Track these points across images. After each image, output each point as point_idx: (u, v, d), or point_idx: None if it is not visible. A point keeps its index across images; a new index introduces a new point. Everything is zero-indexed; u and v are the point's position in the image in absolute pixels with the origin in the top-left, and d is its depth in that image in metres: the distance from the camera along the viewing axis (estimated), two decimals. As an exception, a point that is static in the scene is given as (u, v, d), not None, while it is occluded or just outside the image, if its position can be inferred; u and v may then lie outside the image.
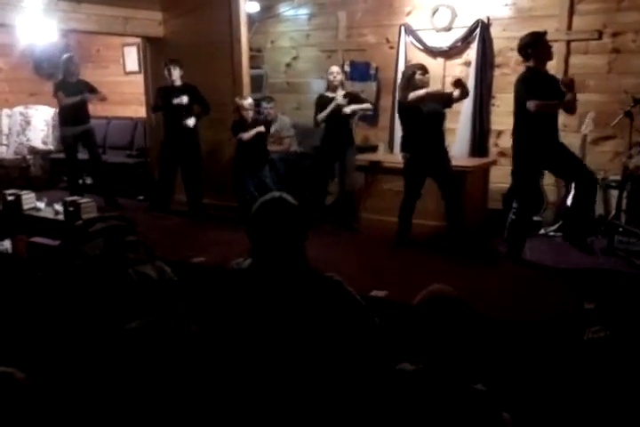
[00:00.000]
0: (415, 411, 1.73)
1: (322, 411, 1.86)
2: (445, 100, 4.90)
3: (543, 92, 4.26)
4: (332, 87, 5.56)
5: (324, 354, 1.93)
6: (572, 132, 5.58)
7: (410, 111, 4.87)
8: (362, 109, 5.61)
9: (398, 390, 1.80)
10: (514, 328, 3.24)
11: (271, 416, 1.84)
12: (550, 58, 4.49)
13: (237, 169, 5.81)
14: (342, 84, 5.60)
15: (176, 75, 5.98)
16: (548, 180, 5.67)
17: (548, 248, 4.92)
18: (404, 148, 5.04)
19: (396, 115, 5.36)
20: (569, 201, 5.05)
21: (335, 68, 5.64)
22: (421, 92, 4.70)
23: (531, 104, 4.19)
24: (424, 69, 4.89)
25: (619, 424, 2.31)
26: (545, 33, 4.43)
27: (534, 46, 4.32)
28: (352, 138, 5.72)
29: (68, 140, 6.66)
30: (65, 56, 6.66)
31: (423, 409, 1.73)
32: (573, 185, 4.72)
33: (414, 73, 4.84)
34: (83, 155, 6.80)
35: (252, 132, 5.60)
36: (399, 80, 5.28)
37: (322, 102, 5.54)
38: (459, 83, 4.69)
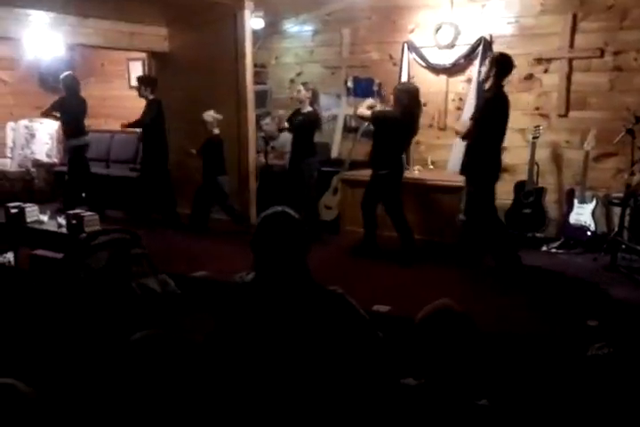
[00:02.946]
0: (418, 426, 1.72)
1: (325, 425, 1.85)
2: None
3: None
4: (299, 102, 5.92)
5: (327, 367, 1.92)
6: (574, 148, 5.62)
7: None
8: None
9: (401, 404, 1.79)
10: (517, 344, 3.23)
11: (274, 430, 1.83)
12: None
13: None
14: (310, 101, 5.82)
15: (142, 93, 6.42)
16: (551, 196, 5.69)
17: (550, 265, 4.92)
18: (380, 165, 5.14)
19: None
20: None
21: (299, 87, 5.92)
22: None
23: None
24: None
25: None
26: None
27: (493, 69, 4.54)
28: (310, 152, 5.90)
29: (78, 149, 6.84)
30: (64, 74, 6.78)
31: (426, 424, 1.72)
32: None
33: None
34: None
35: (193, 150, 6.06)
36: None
37: (292, 114, 5.96)
38: None
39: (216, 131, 5.97)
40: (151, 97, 6.36)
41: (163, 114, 6.41)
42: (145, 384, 1.59)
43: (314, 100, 5.85)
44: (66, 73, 6.85)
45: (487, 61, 4.63)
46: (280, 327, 1.94)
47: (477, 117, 4.58)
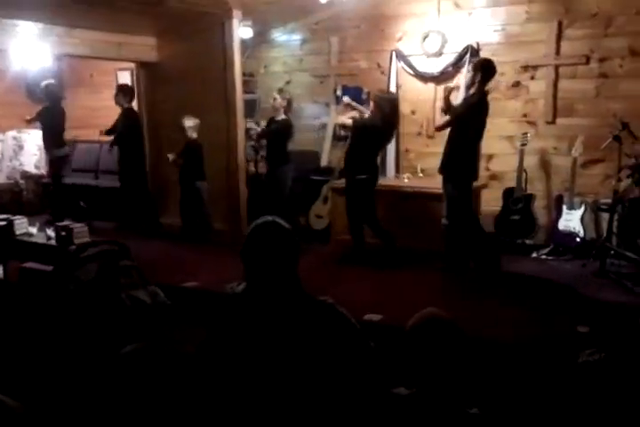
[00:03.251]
0: (411, 436, 1.72)
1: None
2: None
3: None
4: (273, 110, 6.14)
5: (318, 377, 1.92)
6: (562, 155, 5.66)
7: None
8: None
9: (393, 414, 1.79)
10: (508, 352, 3.24)
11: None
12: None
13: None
14: (284, 110, 6.03)
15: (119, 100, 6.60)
16: (539, 203, 5.72)
17: (540, 271, 4.94)
18: (357, 170, 5.28)
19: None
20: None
21: (274, 94, 6.20)
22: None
23: None
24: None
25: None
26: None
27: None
28: (281, 158, 6.03)
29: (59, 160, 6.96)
30: (44, 83, 6.81)
31: (419, 434, 1.71)
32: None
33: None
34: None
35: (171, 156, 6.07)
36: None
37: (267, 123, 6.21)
38: None
39: (194, 135, 6.03)
40: (126, 105, 6.44)
41: (138, 122, 6.45)
42: (136, 398, 1.58)
43: (288, 108, 6.06)
44: (46, 81, 6.86)
45: (471, 67, 4.75)
46: (271, 338, 1.94)
47: (460, 119, 4.73)
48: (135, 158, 6.50)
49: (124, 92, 6.59)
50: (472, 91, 4.81)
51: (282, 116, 5.94)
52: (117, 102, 6.56)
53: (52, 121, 6.75)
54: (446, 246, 4.99)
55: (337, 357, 1.97)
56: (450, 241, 4.96)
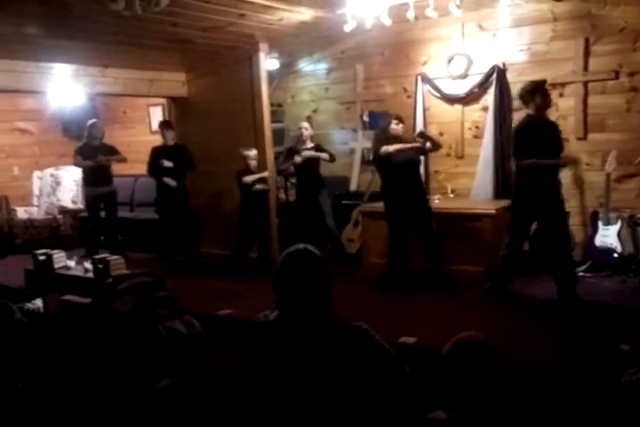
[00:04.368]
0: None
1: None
2: (418, 151, 5.24)
3: (536, 142, 4.43)
4: (300, 141, 5.99)
5: (355, 405, 1.90)
6: (595, 170, 5.58)
7: (383, 162, 5.12)
8: (318, 157, 5.89)
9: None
10: (549, 373, 3.16)
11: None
12: (549, 106, 4.67)
13: (242, 220, 6.04)
14: (311, 138, 5.99)
15: (169, 136, 6.47)
16: (575, 219, 5.63)
17: (578, 289, 4.82)
18: (383, 193, 5.29)
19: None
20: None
21: (304, 124, 6.03)
22: (391, 148, 4.97)
23: (521, 163, 4.49)
24: (400, 119, 5.18)
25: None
26: (545, 82, 4.57)
27: (534, 94, 4.49)
28: (321, 183, 5.99)
29: (89, 199, 7.02)
30: (90, 122, 6.96)
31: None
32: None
33: (390, 123, 5.13)
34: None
35: (255, 176, 5.91)
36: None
37: (288, 154, 6.03)
38: (423, 135, 5.16)
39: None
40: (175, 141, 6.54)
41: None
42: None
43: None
44: (92, 120, 7.05)
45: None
46: (306, 365, 1.93)
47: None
48: (179, 191, 6.51)
49: (172, 127, 6.61)
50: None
51: (311, 144, 5.95)
52: (167, 138, 6.49)
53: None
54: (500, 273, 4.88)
55: (372, 383, 1.96)
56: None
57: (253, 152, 6.01)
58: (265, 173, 6.04)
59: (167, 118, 7.47)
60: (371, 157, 5.69)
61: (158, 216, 6.76)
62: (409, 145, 5.06)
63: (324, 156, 5.88)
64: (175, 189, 6.36)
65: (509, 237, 4.74)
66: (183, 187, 6.44)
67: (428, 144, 5.14)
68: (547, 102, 4.56)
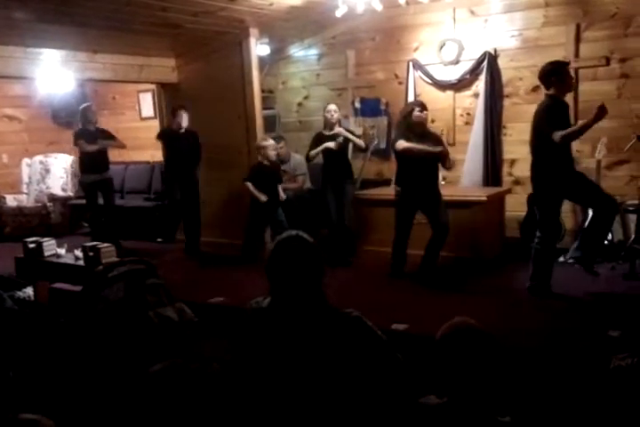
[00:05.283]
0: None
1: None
2: (431, 156, 4.85)
3: (564, 121, 4.27)
4: (329, 125, 5.62)
5: (347, 390, 1.91)
6: (586, 157, 5.59)
7: (398, 153, 4.95)
8: (352, 141, 5.60)
9: (423, 424, 1.77)
10: (539, 358, 3.19)
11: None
12: (571, 88, 4.48)
13: (253, 214, 5.81)
14: (339, 122, 5.68)
15: (185, 120, 6.21)
16: (565, 206, 5.64)
17: (567, 276, 4.86)
18: (397, 181, 5.12)
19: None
20: (586, 224, 4.97)
21: (332, 107, 5.63)
22: (409, 146, 4.74)
23: (556, 135, 4.13)
24: (423, 106, 4.90)
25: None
26: (568, 63, 4.43)
27: (559, 75, 4.26)
28: (350, 172, 5.76)
29: (87, 186, 6.76)
30: (83, 106, 6.81)
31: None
32: (591, 210, 4.65)
33: (412, 110, 4.87)
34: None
35: (263, 198, 5.59)
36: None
37: (318, 139, 5.65)
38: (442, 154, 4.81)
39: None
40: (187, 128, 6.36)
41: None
42: (165, 415, 1.59)
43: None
44: (84, 104, 6.90)
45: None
46: (298, 352, 1.94)
47: None
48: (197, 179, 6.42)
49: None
50: None
51: (339, 129, 5.59)
52: (178, 125, 6.26)
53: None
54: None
55: (364, 369, 1.97)
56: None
57: (271, 142, 5.73)
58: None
59: (157, 104, 7.40)
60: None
61: (169, 202, 6.68)
62: (426, 150, 4.75)
63: (359, 142, 5.60)
64: (187, 175, 6.28)
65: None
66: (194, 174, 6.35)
67: (442, 162, 4.90)
68: (570, 84, 4.39)
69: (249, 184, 5.63)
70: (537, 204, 4.52)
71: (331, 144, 5.52)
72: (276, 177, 5.80)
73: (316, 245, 2.07)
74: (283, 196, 5.76)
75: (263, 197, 5.58)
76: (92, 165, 6.62)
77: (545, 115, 4.26)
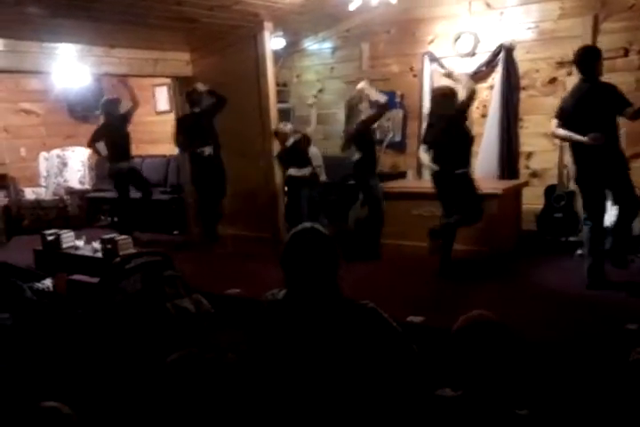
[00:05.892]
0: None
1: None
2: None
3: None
4: (364, 96, 5.56)
5: (362, 382, 1.92)
6: (603, 150, 5.53)
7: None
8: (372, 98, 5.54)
9: (439, 416, 1.78)
10: (557, 351, 3.17)
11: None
12: (600, 73, 4.47)
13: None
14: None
15: (201, 87, 6.09)
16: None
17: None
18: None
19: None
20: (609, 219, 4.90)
21: (364, 85, 5.60)
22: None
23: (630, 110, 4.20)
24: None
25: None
26: (598, 49, 4.50)
27: (598, 60, 4.36)
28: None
29: (115, 177, 6.83)
30: (105, 99, 6.89)
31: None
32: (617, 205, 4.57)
33: None
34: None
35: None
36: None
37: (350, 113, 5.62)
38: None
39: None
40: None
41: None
42: (183, 403, 1.61)
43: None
44: (105, 98, 6.96)
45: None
46: (313, 343, 1.95)
47: None
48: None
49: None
50: None
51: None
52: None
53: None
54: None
55: (379, 361, 1.97)
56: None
57: (289, 126, 5.84)
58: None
59: (172, 98, 7.43)
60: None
61: (197, 192, 6.59)
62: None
63: (380, 98, 5.49)
64: (212, 162, 6.20)
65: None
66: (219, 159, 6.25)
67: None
68: (598, 69, 4.39)
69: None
70: (582, 188, 4.52)
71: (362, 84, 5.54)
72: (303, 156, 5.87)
73: (331, 237, 2.07)
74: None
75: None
76: (118, 154, 6.72)
77: (620, 93, 4.32)
